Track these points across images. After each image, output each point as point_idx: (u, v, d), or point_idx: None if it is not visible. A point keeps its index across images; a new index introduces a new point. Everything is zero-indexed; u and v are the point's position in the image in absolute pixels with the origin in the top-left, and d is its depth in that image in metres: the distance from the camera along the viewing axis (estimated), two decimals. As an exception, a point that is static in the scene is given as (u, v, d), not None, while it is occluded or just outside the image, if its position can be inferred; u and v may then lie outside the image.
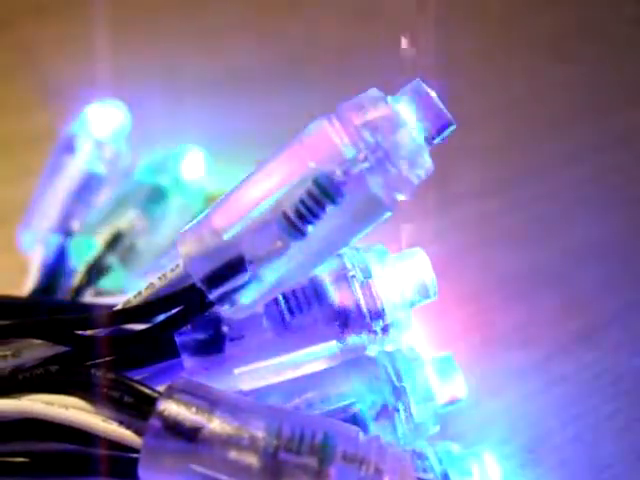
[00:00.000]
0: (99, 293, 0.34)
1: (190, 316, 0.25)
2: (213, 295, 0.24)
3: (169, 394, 0.23)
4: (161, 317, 0.25)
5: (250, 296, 0.24)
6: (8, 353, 0.26)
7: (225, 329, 0.25)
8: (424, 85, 0.24)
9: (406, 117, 0.23)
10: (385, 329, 0.26)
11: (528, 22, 0.58)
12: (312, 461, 0.22)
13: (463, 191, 0.43)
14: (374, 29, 0.51)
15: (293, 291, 0.25)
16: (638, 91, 0.52)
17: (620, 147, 0.48)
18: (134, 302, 0.25)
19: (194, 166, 0.41)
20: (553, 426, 0.32)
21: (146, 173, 0.39)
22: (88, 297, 0.33)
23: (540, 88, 0.52)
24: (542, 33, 0.57)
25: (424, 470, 0.27)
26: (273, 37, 0.53)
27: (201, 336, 0.25)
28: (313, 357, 0.26)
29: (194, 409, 0.23)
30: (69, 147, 0.39)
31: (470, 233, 0.41)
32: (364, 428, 0.25)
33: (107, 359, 0.26)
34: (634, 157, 0.47)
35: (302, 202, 0.23)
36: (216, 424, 0.23)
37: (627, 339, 0.37)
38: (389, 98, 0.24)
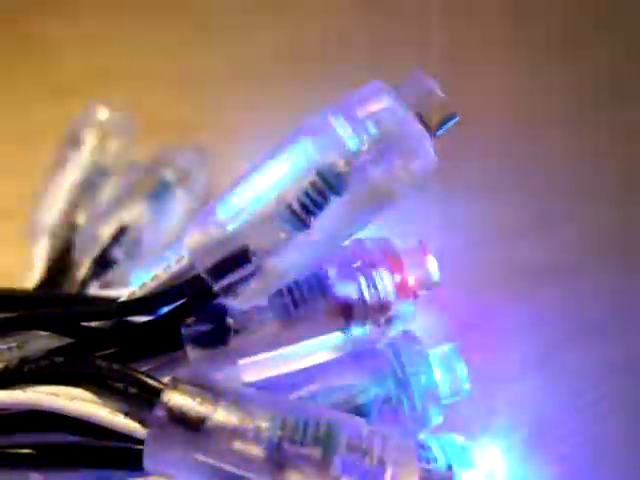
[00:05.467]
0: (105, 285, 0.34)
1: (195, 307, 0.25)
2: (218, 286, 0.24)
3: (174, 385, 0.23)
4: (166, 309, 0.25)
5: (254, 287, 0.24)
6: (14, 345, 0.26)
7: (230, 321, 0.25)
8: (427, 77, 0.24)
9: (409, 109, 0.23)
10: (389, 321, 0.26)
11: (531, 20, 0.57)
12: (316, 451, 0.22)
13: (466, 187, 0.43)
14: (377, 23, 0.51)
15: (297, 282, 0.25)
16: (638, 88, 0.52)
17: (621, 143, 0.48)
18: (139, 294, 0.26)
19: (200, 160, 0.41)
20: (556, 418, 0.32)
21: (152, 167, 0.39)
22: (94, 289, 0.33)
23: (543, 85, 0.52)
24: (545, 31, 0.56)
25: (428, 461, 0.27)
26: (273, 31, 0.53)
27: (206, 328, 0.25)
28: (317, 348, 0.26)
29: (199, 400, 0.23)
30: (75, 140, 0.39)
31: (473, 228, 0.41)
32: (368, 419, 0.25)
33: (112, 351, 0.26)
34: (635, 153, 0.47)
35: (306, 194, 0.23)
36: (221, 415, 0.23)
37: (628, 332, 0.37)
38: (392, 90, 0.24)
